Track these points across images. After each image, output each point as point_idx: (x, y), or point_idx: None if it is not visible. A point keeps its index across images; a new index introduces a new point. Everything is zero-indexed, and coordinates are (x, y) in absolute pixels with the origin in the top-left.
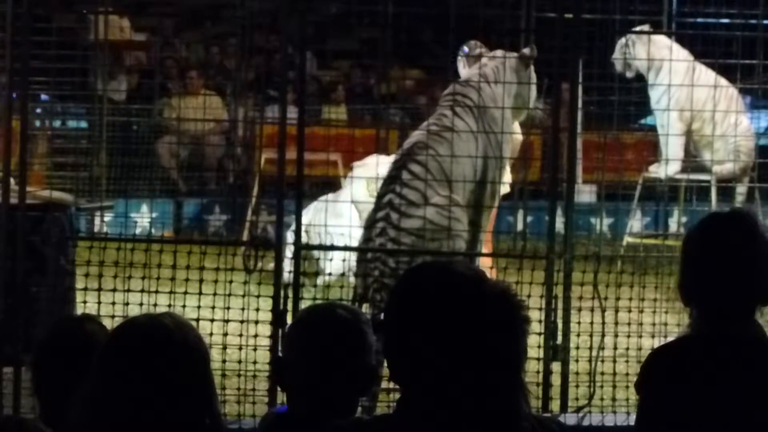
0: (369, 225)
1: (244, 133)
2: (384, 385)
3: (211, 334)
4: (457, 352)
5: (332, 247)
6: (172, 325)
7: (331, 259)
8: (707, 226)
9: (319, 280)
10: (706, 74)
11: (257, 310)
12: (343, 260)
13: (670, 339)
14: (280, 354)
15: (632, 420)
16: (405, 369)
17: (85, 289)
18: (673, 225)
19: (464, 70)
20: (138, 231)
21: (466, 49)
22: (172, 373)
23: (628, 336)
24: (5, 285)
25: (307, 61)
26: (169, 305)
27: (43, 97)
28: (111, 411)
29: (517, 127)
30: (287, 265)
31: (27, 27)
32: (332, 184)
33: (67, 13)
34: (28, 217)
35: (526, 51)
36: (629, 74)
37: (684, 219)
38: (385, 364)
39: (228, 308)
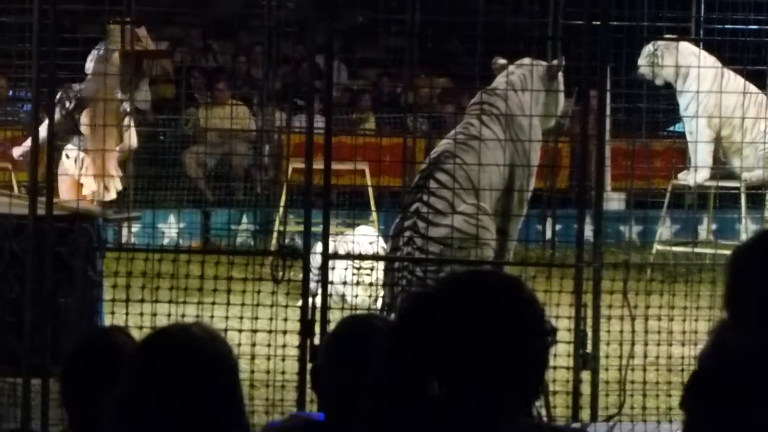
0: (396, 234)
1: (272, 143)
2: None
3: (239, 345)
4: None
5: (360, 257)
6: (202, 334)
7: (359, 268)
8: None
9: (348, 291)
10: (734, 81)
11: (285, 320)
12: (371, 269)
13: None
14: (316, 363)
15: (663, 429)
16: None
17: (113, 300)
18: (702, 232)
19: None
20: (166, 241)
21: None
22: (201, 383)
23: (658, 344)
24: (33, 296)
25: (335, 70)
26: (197, 316)
27: None
28: (140, 421)
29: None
30: (315, 275)
31: (53, 38)
32: (360, 194)
33: (92, 23)
34: (55, 229)
35: (554, 62)
36: (658, 81)
37: (713, 226)
38: None
39: (256, 318)
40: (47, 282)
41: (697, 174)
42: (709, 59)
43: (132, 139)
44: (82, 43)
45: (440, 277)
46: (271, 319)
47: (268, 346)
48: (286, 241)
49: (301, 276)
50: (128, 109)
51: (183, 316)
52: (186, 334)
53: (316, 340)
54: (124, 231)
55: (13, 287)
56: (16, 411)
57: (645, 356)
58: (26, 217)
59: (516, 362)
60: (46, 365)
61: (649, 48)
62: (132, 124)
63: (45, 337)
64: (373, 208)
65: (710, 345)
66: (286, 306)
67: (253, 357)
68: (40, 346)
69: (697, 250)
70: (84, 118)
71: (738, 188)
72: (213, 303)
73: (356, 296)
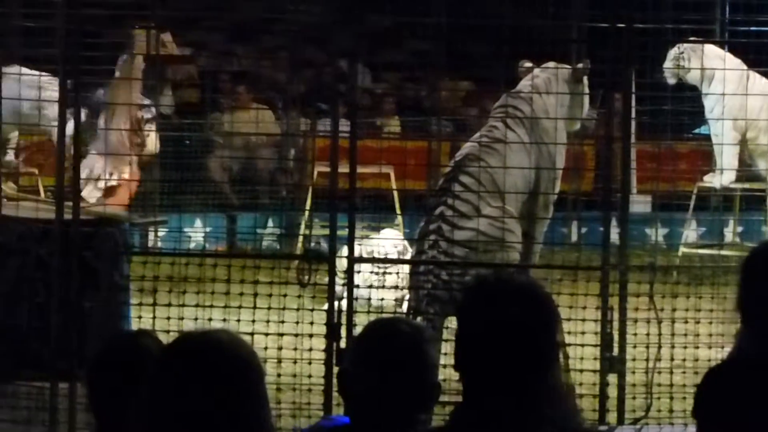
0: (421, 237)
1: (296, 147)
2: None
3: (265, 348)
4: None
5: (385, 260)
6: (226, 340)
7: (384, 272)
8: None
9: (373, 294)
10: (760, 82)
11: (311, 323)
12: (396, 273)
13: (727, 350)
14: (342, 366)
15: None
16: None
17: (140, 304)
18: (728, 235)
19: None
20: (191, 245)
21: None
22: (225, 389)
23: (685, 347)
24: (59, 300)
25: (359, 73)
26: (224, 319)
27: None
28: (164, 426)
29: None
30: (340, 278)
31: (78, 42)
32: (384, 197)
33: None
34: (81, 233)
35: (579, 65)
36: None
37: (739, 229)
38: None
39: (282, 322)
40: (73, 286)
41: (723, 176)
42: (734, 61)
43: (153, 143)
44: (106, 47)
45: (466, 282)
46: (297, 322)
47: (294, 349)
48: (312, 244)
49: (326, 279)
50: (148, 115)
51: (209, 320)
52: (210, 339)
53: (342, 344)
54: (150, 235)
55: (40, 292)
56: (43, 415)
57: (671, 359)
58: (52, 221)
59: (542, 367)
60: (72, 369)
61: (674, 51)
62: (154, 128)
63: (71, 342)
64: (398, 211)
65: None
66: (312, 309)
67: (279, 360)
68: (66, 350)
69: (723, 252)
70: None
71: (764, 190)
72: (239, 307)
73: (382, 299)
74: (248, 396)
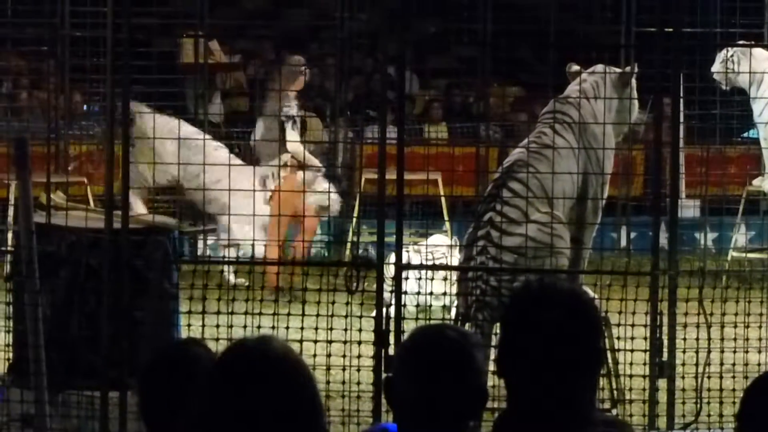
0: (469, 243)
1: (345, 154)
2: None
3: (314, 356)
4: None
5: (434, 267)
6: (281, 348)
7: (432, 279)
8: None
9: (421, 300)
10: None
11: (360, 330)
12: (445, 279)
13: None
14: (389, 374)
15: None
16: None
17: (190, 312)
18: None
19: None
20: (241, 253)
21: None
22: (281, 397)
23: (734, 351)
24: (110, 309)
25: (407, 80)
26: (273, 327)
27: None
28: None
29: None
30: (388, 285)
31: (127, 52)
32: (433, 203)
33: (166, 37)
34: (131, 242)
35: (626, 69)
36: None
37: None
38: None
39: (331, 329)
40: (124, 295)
41: None
42: None
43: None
44: (155, 57)
45: (514, 287)
46: (345, 329)
47: (343, 356)
48: (360, 251)
49: (375, 286)
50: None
51: (258, 327)
52: (266, 348)
53: (391, 351)
54: (200, 243)
55: (90, 301)
56: (94, 424)
57: (721, 363)
58: (102, 230)
59: (584, 374)
60: (123, 378)
61: (723, 54)
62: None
63: (122, 350)
64: (446, 217)
65: None
66: (361, 316)
67: (328, 368)
68: (117, 359)
69: None
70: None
71: None
72: (288, 314)
73: (430, 306)
74: (304, 403)
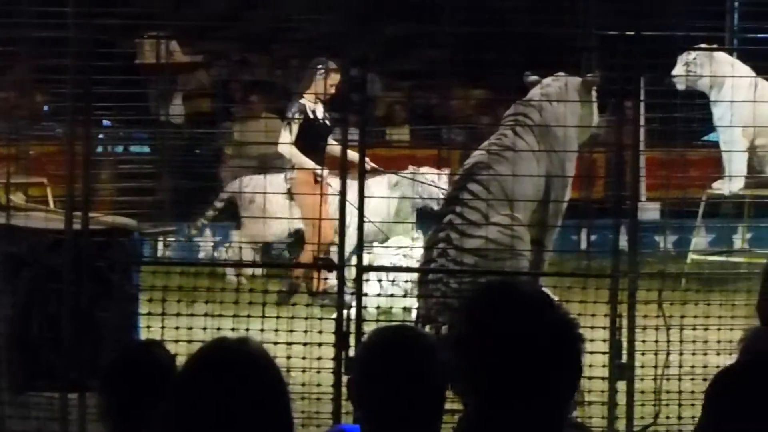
0: (429, 246)
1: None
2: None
3: (274, 357)
4: (517, 373)
5: (394, 269)
6: (254, 350)
7: (393, 281)
8: None
9: (382, 302)
10: None
11: (320, 332)
12: (405, 281)
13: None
14: (351, 375)
15: None
16: (469, 386)
17: (149, 314)
18: (737, 241)
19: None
20: (201, 255)
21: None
22: (255, 399)
23: (694, 354)
24: (70, 311)
25: (370, 82)
26: (233, 329)
27: (105, 122)
28: None
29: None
30: (349, 287)
31: (89, 53)
32: None
33: (129, 38)
34: (92, 243)
35: (589, 76)
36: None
37: (748, 235)
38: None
39: (291, 331)
40: (84, 297)
41: (732, 183)
42: (743, 68)
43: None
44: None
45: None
46: (306, 331)
47: (304, 358)
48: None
49: (335, 288)
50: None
51: (218, 329)
52: (239, 350)
53: (351, 352)
54: (160, 245)
55: (51, 302)
56: (54, 425)
57: (680, 366)
58: (63, 231)
59: (548, 375)
60: (83, 380)
61: (686, 56)
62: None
63: (83, 352)
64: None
65: (743, 350)
66: (321, 318)
67: (288, 369)
68: (78, 360)
69: (732, 259)
70: None
71: None
72: (248, 316)
73: (391, 308)
74: (277, 405)
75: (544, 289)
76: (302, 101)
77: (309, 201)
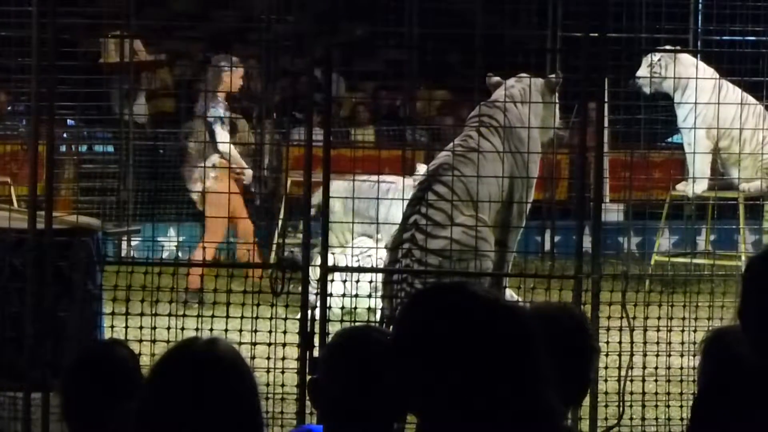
0: (395, 246)
1: (270, 156)
2: None
3: None
4: (468, 375)
5: (359, 269)
6: (228, 350)
7: (357, 281)
8: None
9: (346, 302)
10: (733, 92)
11: (285, 332)
12: (370, 282)
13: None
14: (314, 376)
15: None
16: (418, 395)
17: (113, 313)
18: (701, 243)
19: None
20: (165, 255)
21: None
22: (227, 399)
23: (657, 355)
24: (33, 310)
25: (334, 83)
26: (197, 329)
27: (69, 122)
28: None
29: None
30: (314, 287)
31: (52, 52)
32: None
33: (92, 38)
34: (55, 242)
35: (552, 77)
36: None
37: (712, 237)
38: None
39: (255, 331)
40: (47, 296)
41: (696, 185)
42: (707, 71)
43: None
44: (81, 57)
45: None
46: (270, 331)
47: (268, 358)
48: (285, 253)
49: (300, 288)
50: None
51: (182, 329)
52: (209, 350)
53: (316, 353)
54: (124, 244)
55: (14, 301)
56: (16, 425)
57: (644, 367)
58: (26, 231)
59: (499, 384)
60: (46, 379)
61: (650, 58)
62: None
63: (45, 351)
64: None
65: (719, 358)
66: (286, 318)
67: (252, 370)
68: (40, 360)
69: (696, 260)
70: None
71: (736, 199)
72: (212, 316)
73: (355, 308)
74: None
75: (507, 290)
76: (220, 98)
77: (221, 199)
